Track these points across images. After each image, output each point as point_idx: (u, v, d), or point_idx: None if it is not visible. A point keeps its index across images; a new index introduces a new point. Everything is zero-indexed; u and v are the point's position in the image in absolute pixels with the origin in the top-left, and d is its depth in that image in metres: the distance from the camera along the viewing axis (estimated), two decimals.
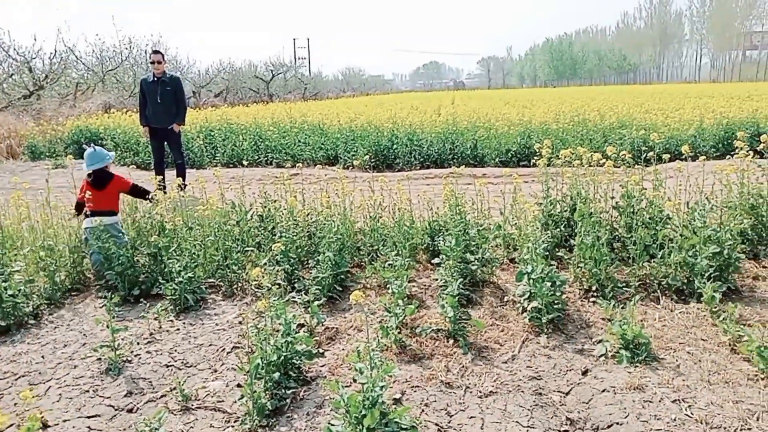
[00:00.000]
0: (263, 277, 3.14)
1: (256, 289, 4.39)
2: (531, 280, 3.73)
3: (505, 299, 4.13)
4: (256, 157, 12.64)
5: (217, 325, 4.01)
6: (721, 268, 4.08)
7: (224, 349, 3.63)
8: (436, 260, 4.68)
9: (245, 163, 11.06)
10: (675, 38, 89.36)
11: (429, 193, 5.86)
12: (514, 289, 4.12)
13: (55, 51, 22.82)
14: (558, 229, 4.94)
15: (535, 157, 5.35)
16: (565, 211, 5.01)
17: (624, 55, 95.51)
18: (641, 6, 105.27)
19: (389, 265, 4.36)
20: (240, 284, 4.65)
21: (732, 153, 5.21)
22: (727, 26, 73.64)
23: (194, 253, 4.71)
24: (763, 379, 2.97)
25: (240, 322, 4.02)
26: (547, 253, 4.52)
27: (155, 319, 4.07)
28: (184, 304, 4.26)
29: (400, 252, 4.67)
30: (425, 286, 4.49)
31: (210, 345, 3.69)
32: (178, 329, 3.96)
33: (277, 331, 3.17)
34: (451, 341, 3.51)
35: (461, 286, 3.96)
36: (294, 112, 16.46)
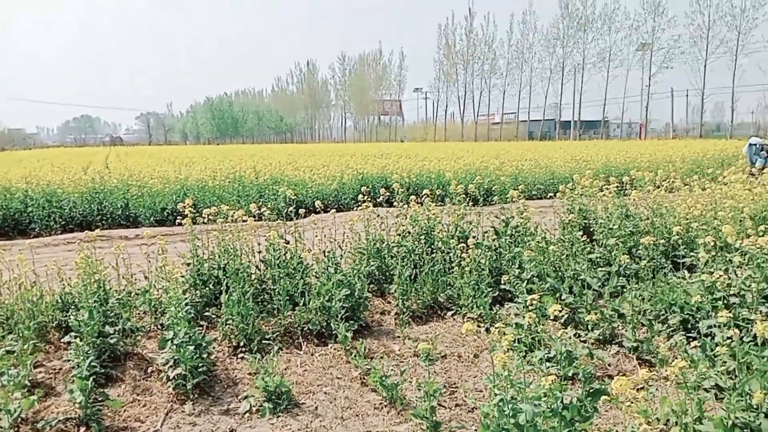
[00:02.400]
0: None
1: None
2: (175, 346, 3.57)
3: (150, 370, 3.87)
4: None
5: None
6: (352, 308, 4.56)
7: None
8: (67, 338, 4.14)
9: None
10: (323, 102, 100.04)
11: (68, 260, 5.23)
12: (159, 359, 3.89)
13: None
14: (207, 288, 4.89)
15: (180, 217, 5.25)
16: (214, 268, 5.01)
17: (281, 116, 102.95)
18: (293, 72, 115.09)
19: (6, 351, 3.69)
20: None
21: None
22: (364, 94, 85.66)
23: None
24: (386, 406, 3.36)
25: None
26: (196, 314, 4.43)
27: None
28: None
29: (22, 334, 4.00)
30: (56, 369, 3.92)
31: None
32: None
33: None
34: (83, 429, 3.10)
35: (98, 363, 3.58)
36: None
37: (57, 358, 4.09)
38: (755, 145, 13.07)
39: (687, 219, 5.93)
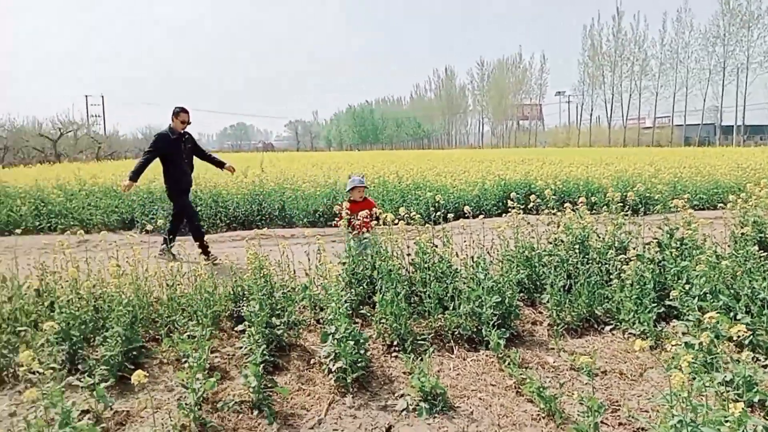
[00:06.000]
0: (35, 360, 2.75)
1: (29, 375, 3.82)
2: (336, 340, 3.77)
3: (312, 362, 4.10)
4: (38, 224, 11.30)
5: None
6: (503, 316, 4.51)
7: None
8: (240, 327, 4.52)
9: (19, 231, 9.79)
10: (460, 108, 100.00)
11: (233, 256, 5.70)
12: (320, 351, 4.12)
13: None
14: (361, 287, 5.09)
15: (337, 218, 5.53)
16: (367, 269, 5.20)
17: (418, 122, 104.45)
18: (431, 79, 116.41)
19: (188, 336, 4.10)
20: (11, 370, 4.01)
21: (509, 211, 5.88)
22: (502, 99, 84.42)
23: None
24: (544, 417, 3.29)
25: (11, 415, 3.45)
26: (351, 311, 4.63)
27: None
28: None
29: (200, 321, 4.44)
30: (229, 355, 4.29)
31: None
32: None
33: (54, 421, 2.78)
34: (256, 412, 3.37)
35: (266, 352, 3.86)
36: (84, 173, 15.11)
37: (230, 345, 4.48)
38: None
39: None
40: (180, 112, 7.70)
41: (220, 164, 8.14)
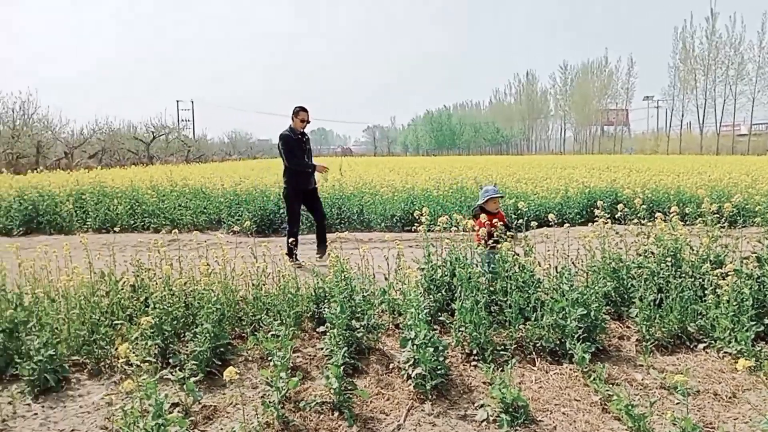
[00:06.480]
0: (132, 353, 2.91)
1: (125, 367, 4.05)
2: (415, 346, 3.76)
3: (391, 366, 4.12)
4: (132, 222, 12.01)
5: (81, 407, 3.64)
6: (589, 329, 4.35)
7: None
8: (321, 328, 4.60)
9: (117, 228, 10.43)
10: (542, 113, 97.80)
11: (315, 258, 5.83)
12: (399, 356, 4.13)
13: None
14: (440, 294, 5.06)
15: (416, 224, 5.52)
16: (446, 275, 5.16)
17: (497, 127, 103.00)
18: (511, 84, 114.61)
19: (272, 335, 4.21)
20: (108, 361, 4.28)
21: (594, 220, 5.68)
22: (586, 103, 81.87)
23: (56, 328, 4.30)
24: None
25: (108, 404, 3.67)
26: (430, 317, 4.60)
27: (9, 403, 3.63)
28: (44, 385, 3.83)
29: (284, 321, 4.55)
30: (310, 356, 4.38)
31: (72, 430, 3.33)
32: (36, 414, 3.55)
33: (147, 412, 2.93)
34: (336, 414, 3.42)
35: (347, 354, 3.91)
36: (175, 175, 15.91)
37: (311, 346, 4.56)
38: None
39: None
40: (300, 111, 7.69)
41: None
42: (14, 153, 25.29)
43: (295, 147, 7.65)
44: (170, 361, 4.14)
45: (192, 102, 72.20)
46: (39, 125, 30.45)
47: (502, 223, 5.30)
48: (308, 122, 7.78)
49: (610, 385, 3.65)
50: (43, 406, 3.66)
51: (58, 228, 11.94)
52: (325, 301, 4.90)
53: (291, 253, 6.93)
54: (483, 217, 5.24)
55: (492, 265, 5.09)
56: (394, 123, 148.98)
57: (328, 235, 8.15)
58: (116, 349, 4.25)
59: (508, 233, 5.31)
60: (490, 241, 5.13)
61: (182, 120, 65.03)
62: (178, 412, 3.42)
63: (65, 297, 4.60)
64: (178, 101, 70.37)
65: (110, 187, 13.87)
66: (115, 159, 35.76)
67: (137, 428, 2.77)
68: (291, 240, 6.76)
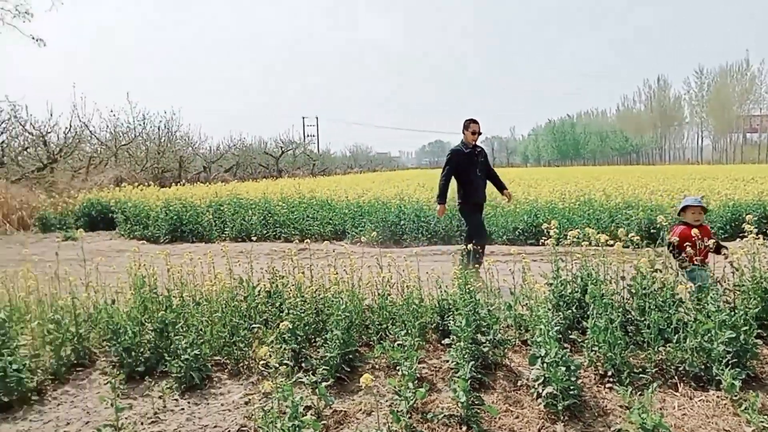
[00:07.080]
0: (271, 355, 3.08)
1: (262, 368, 4.30)
2: (545, 364, 3.64)
3: (519, 383, 4.02)
4: (265, 232, 12.74)
5: (222, 405, 3.90)
6: (738, 354, 3.98)
7: (229, 431, 3.51)
8: (446, 341, 4.59)
9: (254, 237, 11.13)
10: (675, 121, 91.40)
11: (437, 270, 5.84)
12: (527, 373, 4.02)
13: (70, 125, 23.62)
14: (570, 311, 4.87)
15: (543, 237, 5.36)
16: (576, 292, 4.96)
17: (626, 136, 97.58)
18: (640, 90, 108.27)
19: (398, 345, 4.27)
20: (246, 362, 4.56)
21: (741, 235, 5.20)
22: (725, 110, 75.50)
23: (201, 330, 4.66)
24: None
25: (246, 403, 3.91)
26: (560, 335, 4.44)
27: (160, 397, 3.97)
28: (190, 383, 4.17)
29: (409, 331, 4.60)
30: (435, 367, 4.38)
31: (215, 426, 3.58)
32: (183, 409, 3.86)
33: (284, 413, 3.08)
34: (464, 428, 3.39)
35: (473, 368, 3.87)
36: (303, 188, 16.71)
37: (435, 358, 4.57)
38: None
39: None
40: (470, 124, 7.57)
41: (501, 187, 8.01)
42: (160, 167, 27.84)
43: (462, 161, 7.54)
44: (302, 365, 4.33)
45: (317, 118, 75.47)
46: (181, 142, 33.30)
47: (707, 237, 4.94)
48: (479, 134, 7.65)
49: (765, 417, 3.31)
50: (188, 402, 3.97)
51: (199, 236, 12.96)
52: (450, 313, 4.89)
53: (475, 259, 6.53)
54: (678, 228, 5.15)
55: (697, 282, 4.74)
56: (514, 133, 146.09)
57: (449, 247, 8.13)
58: (254, 351, 4.54)
59: (722, 251, 5.09)
60: (694, 257, 4.83)
61: (308, 135, 68.12)
62: (311, 414, 3.56)
63: (208, 301, 4.97)
64: (303, 117, 73.86)
65: (245, 198, 14.84)
66: (247, 172, 38.18)
67: (275, 428, 2.92)
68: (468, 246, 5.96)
